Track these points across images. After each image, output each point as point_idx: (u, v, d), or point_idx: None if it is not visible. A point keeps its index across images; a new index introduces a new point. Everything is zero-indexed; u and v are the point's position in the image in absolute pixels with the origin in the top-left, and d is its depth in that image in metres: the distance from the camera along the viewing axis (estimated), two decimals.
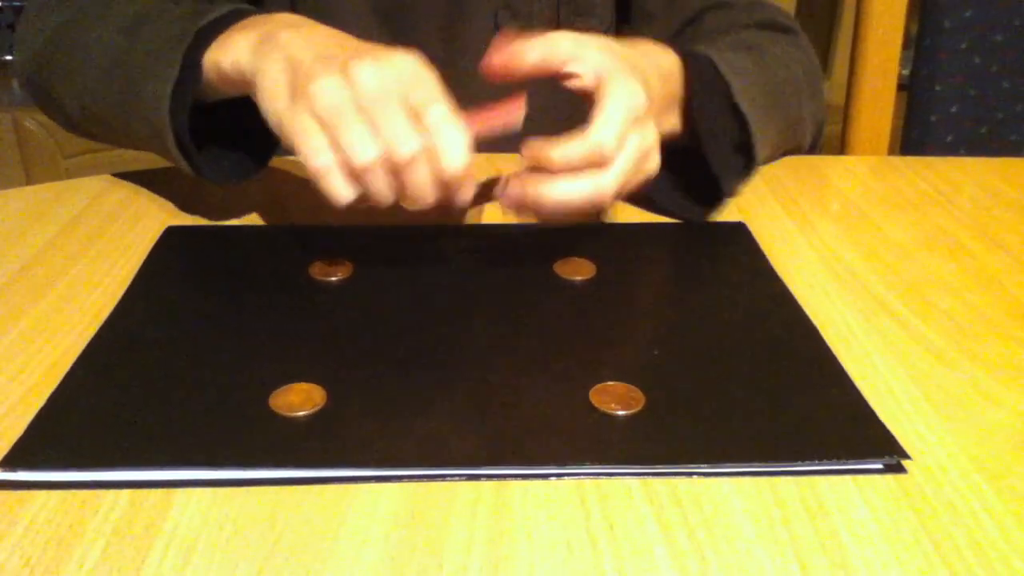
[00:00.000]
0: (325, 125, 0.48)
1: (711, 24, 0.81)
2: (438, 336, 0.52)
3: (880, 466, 0.42)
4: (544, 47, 0.55)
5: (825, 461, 0.42)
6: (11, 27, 2.13)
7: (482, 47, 0.81)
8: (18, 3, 2.11)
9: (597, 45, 0.56)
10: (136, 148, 0.66)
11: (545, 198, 0.53)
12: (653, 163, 0.57)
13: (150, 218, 0.66)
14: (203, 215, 0.67)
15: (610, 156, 0.52)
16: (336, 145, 0.48)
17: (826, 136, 0.82)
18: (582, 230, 0.64)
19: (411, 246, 0.62)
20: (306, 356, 0.49)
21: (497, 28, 0.81)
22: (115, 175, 0.74)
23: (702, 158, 0.65)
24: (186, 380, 0.47)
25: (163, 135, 0.59)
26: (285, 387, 0.46)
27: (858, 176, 0.78)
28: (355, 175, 0.49)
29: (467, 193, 0.51)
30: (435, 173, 0.49)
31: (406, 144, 0.48)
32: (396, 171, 0.49)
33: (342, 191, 0.49)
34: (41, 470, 0.41)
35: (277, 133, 0.52)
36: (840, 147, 1.19)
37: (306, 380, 0.47)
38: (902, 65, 1.15)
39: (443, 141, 0.49)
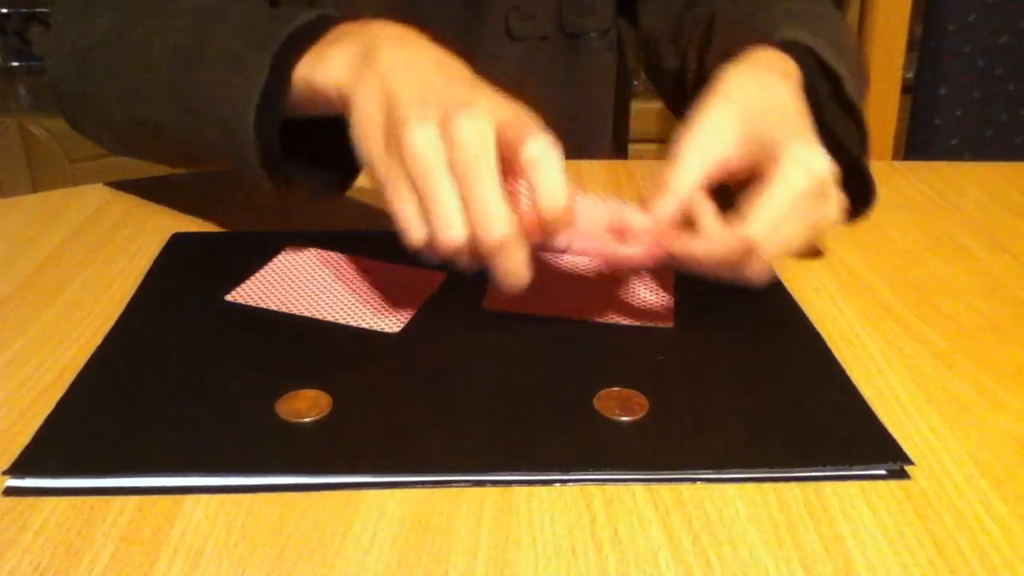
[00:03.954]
0: (417, 189, 0.45)
1: None
2: (443, 342, 0.52)
3: (884, 471, 0.43)
4: (681, 184, 0.50)
5: (829, 466, 0.42)
6: (18, 34, 2.14)
7: (495, 51, 0.82)
8: (25, 9, 2.12)
9: (729, 116, 0.51)
10: (192, 161, 0.61)
11: (692, 266, 0.50)
12: (828, 223, 0.51)
13: (156, 224, 0.67)
14: (209, 221, 0.67)
15: (759, 246, 0.48)
16: (427, 216, 0.45)
17: None
18: None
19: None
20: (312, 362, 0.50)
21: (508, 31, 0.81)
22: (121, 182, 0.74)
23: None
24: (193, 386, 0.48)
25: (244, 148, 0.54)
26: (291, 393, 0.47)
27: None
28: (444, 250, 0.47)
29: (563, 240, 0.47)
30: (533, 230, 0.46)
31: (496, 227, 0.44)
32: (484, 253, 0.45)
33: (432, 260, 0.47)
34: (50, 477, 0.41)
35: (368, 176, 0.49)
36: None
37: (312, 386, 0.47)
38: (906, 68, 1.15)
39: (542, 190, 0.45)
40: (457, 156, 0.44)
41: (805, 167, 0.48)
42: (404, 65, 0.48)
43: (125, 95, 0.61)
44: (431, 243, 0.46)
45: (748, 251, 0.48)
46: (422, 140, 0.45)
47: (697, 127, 0.51)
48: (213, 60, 0.55)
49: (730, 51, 0.60)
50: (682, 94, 0.79)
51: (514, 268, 0.46)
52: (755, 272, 0.50)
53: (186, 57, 0.57)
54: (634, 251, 0.50)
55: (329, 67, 0.50)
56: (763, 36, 0.59)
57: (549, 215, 0.45)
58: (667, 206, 0.50)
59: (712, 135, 0.51)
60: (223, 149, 0.56)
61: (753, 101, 0.52)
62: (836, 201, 0.51)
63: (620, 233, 0.50)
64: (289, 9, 0.55)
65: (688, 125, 0.52)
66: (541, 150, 0.45)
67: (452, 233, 0.45)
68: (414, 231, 0.46)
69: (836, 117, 0.56)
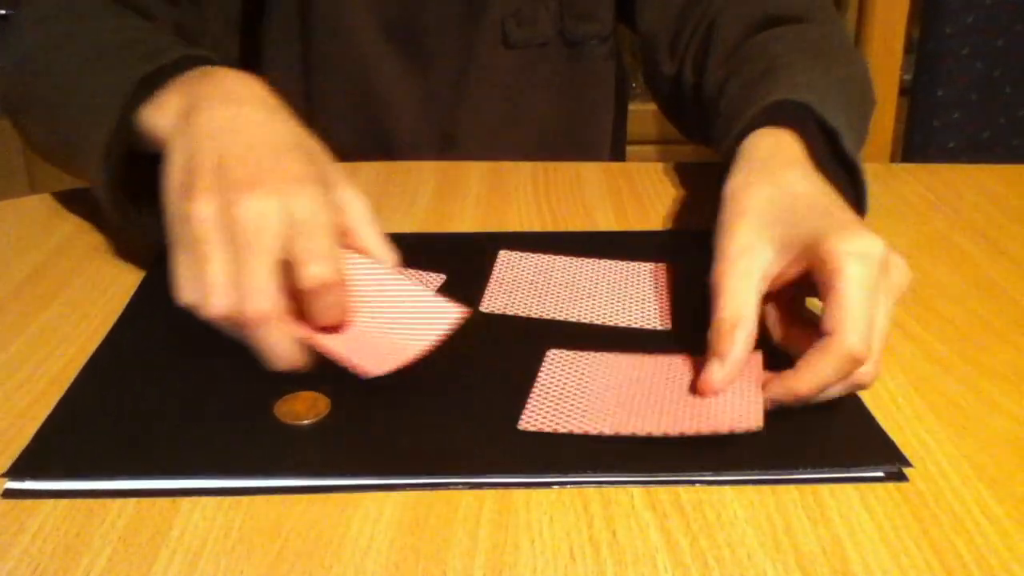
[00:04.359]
0: (194, 255, 0.46)
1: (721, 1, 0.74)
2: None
3: (882, 474, 0.43)
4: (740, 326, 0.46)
5: (827, 469, 0.42)
6: None
7: (490, 58, 0.82)
8: None
9: (764, 236, 0.48)
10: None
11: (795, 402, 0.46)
12: (902, 291, 0.48)
13: None
14: None
15: (865, 356, 0.44)
16: (197, 283, 0.46)
17: None
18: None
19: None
20: (310, 364, 0.50)
21: (505, 38, 0.81)
22: None
23: None
24: (191, 388, 0.48)
25: (99, 190, 0.56)
26: (290, 395, 0.47)
27: None
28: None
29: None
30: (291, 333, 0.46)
31: (253, 302, 0.45)
32: (247, 326, 0.46)
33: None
34: (48, 479, 0.42)
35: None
36: None
37: (310, 388, 0.47)
38: (904, 70, 1.15)
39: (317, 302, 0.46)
40: (237, 234, 0.45)
41: (861, 255, 0.45)
42: (217, 131, 0.50)
43: (32, 119, 0.65)
44: (198, 307, 0.46)
45: (854, 363, 0.44)
46: (201, 211, 0.46)
47: (728, 252, 0.49)
48: (84, 102, 0.58)
49: (730, 97, 0.62)
50: (678, 100, 0.79)
51: (274, 347, 0.46)
52: (864, 378, 0.46)
53: (71, 96, 0.60)
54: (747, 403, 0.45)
55: (159, 117, 0.53)
56: (761, 95, 0.59)
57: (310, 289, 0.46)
58: (740, 341, 0.46)
59: (748, 253, 0.48)
60: (92, 188, 0.58)
61: (773, 205, 0.50)
62: (903, 267, 0.48)
63: (711, 391, 0.46)
64: (164, 48, 0.58)
65: (719, 254, 0.49)
66: (315, 274, 0.45)
67: (214, 301, 0.45)
68: (184, 293, 0.47)
69: (833, 172, 0.55)
